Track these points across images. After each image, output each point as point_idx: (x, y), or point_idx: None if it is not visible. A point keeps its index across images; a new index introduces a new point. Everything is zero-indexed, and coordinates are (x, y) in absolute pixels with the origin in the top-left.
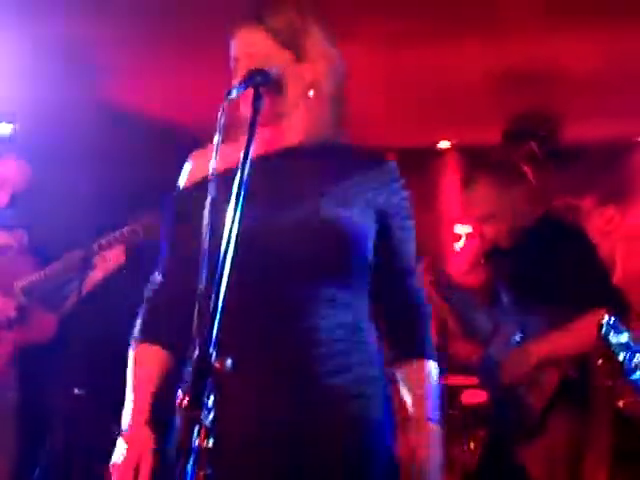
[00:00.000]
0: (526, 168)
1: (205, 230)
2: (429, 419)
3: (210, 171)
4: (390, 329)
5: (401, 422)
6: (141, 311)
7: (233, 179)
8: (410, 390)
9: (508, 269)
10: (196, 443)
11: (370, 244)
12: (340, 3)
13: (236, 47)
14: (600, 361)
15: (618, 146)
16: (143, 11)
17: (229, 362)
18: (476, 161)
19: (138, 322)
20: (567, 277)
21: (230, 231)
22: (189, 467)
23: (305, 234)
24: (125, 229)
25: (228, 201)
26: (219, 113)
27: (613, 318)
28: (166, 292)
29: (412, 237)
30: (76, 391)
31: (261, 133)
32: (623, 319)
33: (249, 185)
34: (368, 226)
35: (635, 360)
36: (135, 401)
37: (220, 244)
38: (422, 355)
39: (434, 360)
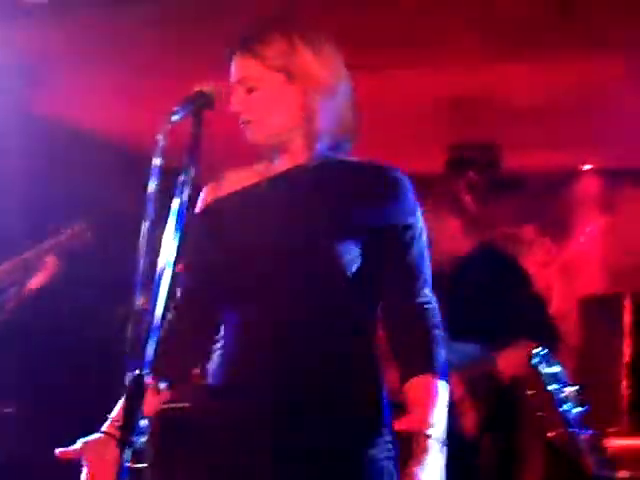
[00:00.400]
0: (467, 197)
1: (142, 250)
2: (426, 436)
3: (149, 190)
4: (395, 348)
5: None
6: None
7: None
8: (411, 408)
9: (444, 297)
10: (127, 465)
11: (365, 265)
12: None
13: (232, 73)
14: (530, 392)
15: (558, 176)
16: (78, 25)
17: (163, 385)
18: (419, 190)
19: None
20: (501, 306)
21: (169, 251)
22: None
23: (297, 262)
24: (60, 236)
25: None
26: (160, 136)
27: (545, 350)
28: (176, 322)
29: (416, 252)
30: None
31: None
32: (555, 351)
33: (248, 206)
34: (360, 250)
35: (564, 392)
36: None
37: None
38: (424, 372)
39: (439, 376)
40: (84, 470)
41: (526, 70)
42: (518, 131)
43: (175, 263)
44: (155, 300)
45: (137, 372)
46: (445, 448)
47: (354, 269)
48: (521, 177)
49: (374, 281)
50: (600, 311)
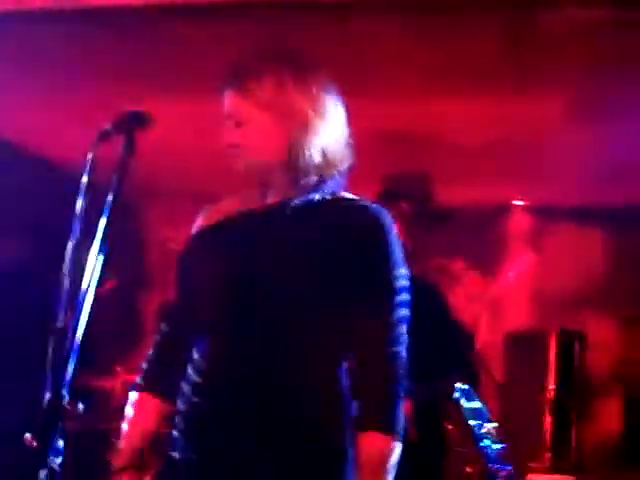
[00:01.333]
0: (397, 228)
1: (65, 270)
2: None
3: (78, 211)
4: (357, 394)
5: None
6: (151, 353)
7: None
8: (361, 468)
9: None
10: None
11: (334, 308)
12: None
13: (224, 105)
14: (451, 426)
15: (489, 211)
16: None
17: (80, 406)
18: None
19: (146, 364)
20: (428, 336)
21: (92, 273)
22: None
23: (254, 298)
24: None
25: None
26: (89, 154)
27: (467, 386)
28: (170, 340)
29: (380, 296)
30: None
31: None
32: (475, 386)
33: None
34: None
35: (484, 428)
36: (123, 448)
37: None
38: (383, 430)
39: (397, 438)
40: None
41: (463, 106)
42: (452, 165)
43: (99, 283)
44: (77, 320)
45: (55, 393)
46: None
47: (313, 311)
48: (453, 210)
49: (342, 321)
50: (525, 347)
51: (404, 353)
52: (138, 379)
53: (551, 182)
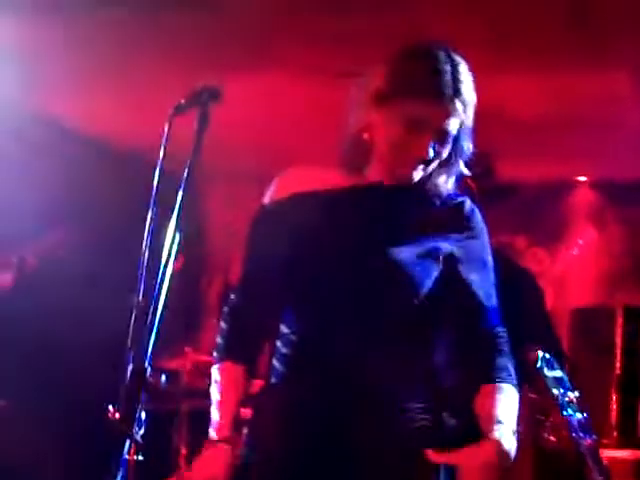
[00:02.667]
0: None
1: (145, 246)
2: (489, 436)
3: (154, 185)
4: (463, 365)
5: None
6: (225, 326)
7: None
8: (479, 415)
9: None
10: (126, 457)
11: (435, 290)
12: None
13: (430, 114)
14: (534, 395)
15: (553, 187)
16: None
17: (163, 378)
18: None
19: (222, 338)
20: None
21: (170, 248)
22: None
23: (378, 278)
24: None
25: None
26: (165, 127)
27: (548, 354)
28: (246, 313)
29: (484, 277)
30: None
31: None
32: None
33: (338, 213)
34: (435, 274)
35: (567, 397)
36: (221, 419)
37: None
38: (489, 380)
39: (507, 382)
40: None
41: (526, 81)
42: (515, 141)
43: (176, 258)
44: (157, 295)
45: (138, 365)
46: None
47: (425, 292)
48: (516, 186)
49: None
50: (591, 323)
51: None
52: (217, 352)
53: (616, 158)
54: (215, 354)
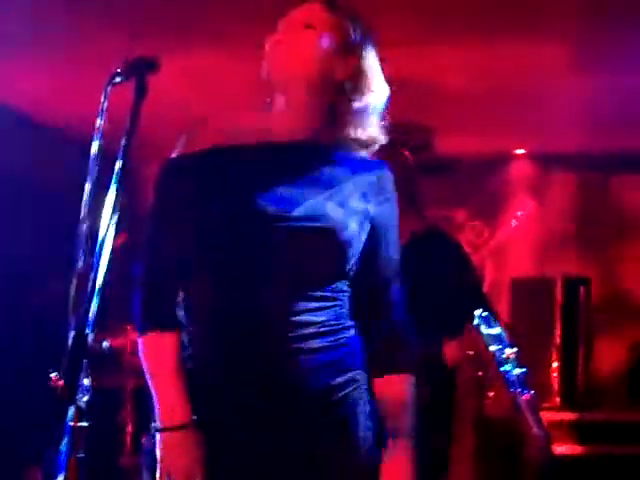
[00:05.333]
0: (399, 177)
1: (83, 217)
2: (402, 435)
3: (92, 151)
4: (369, 342)
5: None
6: (137, 298)
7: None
8: (385, 407)
9: None
10: (70, 424)
11: (359, 250)
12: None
13: (295, 15)
14: (472, 352)
15: (489, 160)
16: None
17: (105, 343)
18: None
19: (137, 310)
20: (445, 287)
21: (112, 213)
22: (62, 448)
23: (306, 234)
24: None
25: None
26: (102, 96)
27: (486, 312)
28: (163, 272)
29: (397, 248)
30: None
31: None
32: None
33: (256, 167)
34: (360, 233)
35: (505, 353)
36: (173, 397)
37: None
38: (396, 370)
39: (410, 373)
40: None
41: (463, 54)
42: (452, 114)
43: (117, 225)
44: (97, 264)
45: (79, 331)
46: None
47: (353, 251)
48: (454, 160)
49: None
50: (531, 293)
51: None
52: (142, 319)
53: (552, 130)
54: (137, 322)
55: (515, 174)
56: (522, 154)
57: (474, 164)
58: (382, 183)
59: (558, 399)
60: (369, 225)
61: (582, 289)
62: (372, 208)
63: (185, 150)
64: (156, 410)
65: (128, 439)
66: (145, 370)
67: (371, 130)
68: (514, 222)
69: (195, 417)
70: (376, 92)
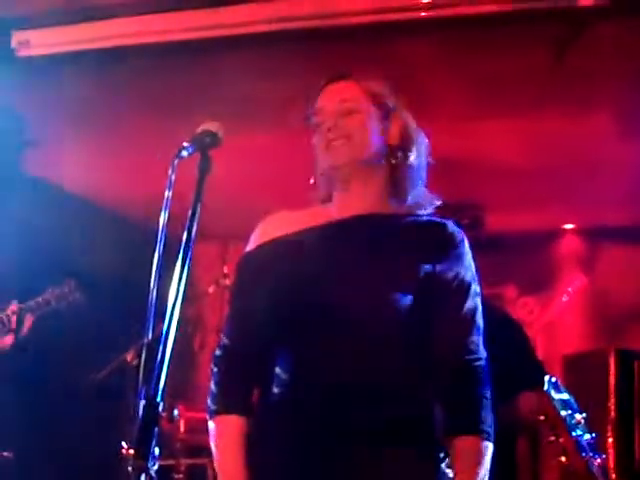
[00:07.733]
0: None
1: (153, 284)
2: None
3: (161, 221)
4: (444, 401)
5: None
6: (213, 378)
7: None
8: (455, 470)
9: None
10: None
11: (418, 319)
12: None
13: (323, 97)
14: (542, 417)
15: (538, 236)
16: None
17: (176, 412)
18: None
19: (216, 385)
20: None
21: (177, 287)
22: None
23: (359, 312)
24: (39, 298)
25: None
26: (170, 170)
27: (554, 378)
28: (237, 355)
29: (469, 306)
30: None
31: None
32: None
33: (309, 250)
34: (417, 303)
35: (575, 418)
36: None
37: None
38: (470, 432)
39: (485, 437)
40: None
41: (508, 128)
42: (499, 190)
43: (184, 296)
44: (167, 331)
45: (150, 400)
46: None
47: (410, 318)
48: (503, 236)
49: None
50: (583, 368)
51: (484, 359)
52: (213, 402)
53: (600, 203)
54: (210, 404)
55: (564, 249)
56: (571, 229)
57: (523, 240)
58: (448, 237)
59: (614, 476)
60: (427, 288)
61: (636, 363)
62: (434, 270)
63: (257, 242)
64: None
65: None
66: (215, 450)
67: (424, 190)
68: (565, 297)
69: None
70: (421, 144)
